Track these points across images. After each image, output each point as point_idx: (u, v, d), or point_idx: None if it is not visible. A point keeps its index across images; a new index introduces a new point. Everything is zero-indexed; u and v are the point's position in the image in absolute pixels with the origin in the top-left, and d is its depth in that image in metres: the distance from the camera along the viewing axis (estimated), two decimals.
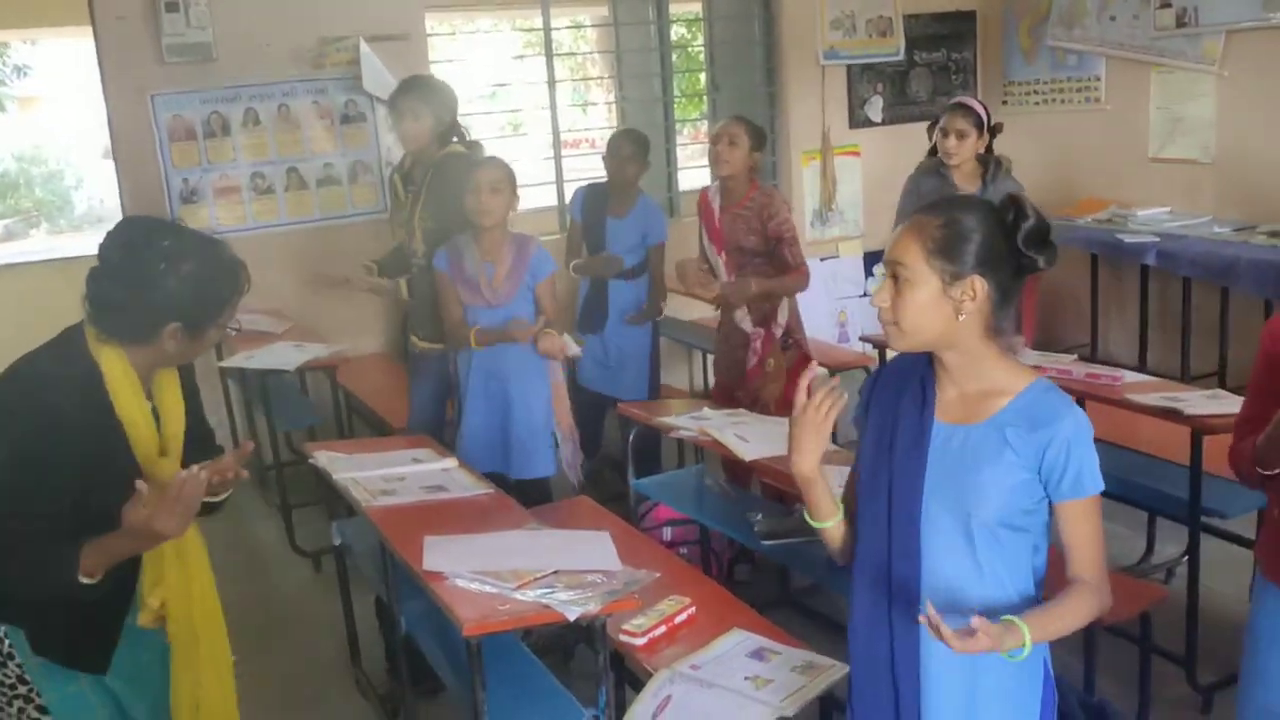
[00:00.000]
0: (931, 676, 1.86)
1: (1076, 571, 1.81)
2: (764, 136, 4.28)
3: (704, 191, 4.32)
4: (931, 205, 1.83)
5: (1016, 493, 1.79)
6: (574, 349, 3.71)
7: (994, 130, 4.37)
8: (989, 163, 4.31)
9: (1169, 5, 5.78)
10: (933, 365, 1.86)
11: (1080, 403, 3.87)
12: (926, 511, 1.83)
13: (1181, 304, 5.66)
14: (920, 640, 1.84)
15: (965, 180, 4.32)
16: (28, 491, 2.00)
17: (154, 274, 2.08)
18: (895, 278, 1.79)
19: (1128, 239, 5.55)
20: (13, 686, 2.17)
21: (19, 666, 2.16)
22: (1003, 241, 1.77)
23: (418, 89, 4.07)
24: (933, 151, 4.42)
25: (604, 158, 4.83)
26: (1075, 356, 4.11)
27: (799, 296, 4.21)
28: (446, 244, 3.70)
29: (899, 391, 1.90)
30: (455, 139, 4.07)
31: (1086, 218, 5.95)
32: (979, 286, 1.75)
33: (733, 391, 4.23)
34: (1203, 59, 5.71)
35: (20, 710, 2.18)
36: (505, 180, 3.58)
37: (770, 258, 4.06)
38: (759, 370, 4.14)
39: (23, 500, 1.99)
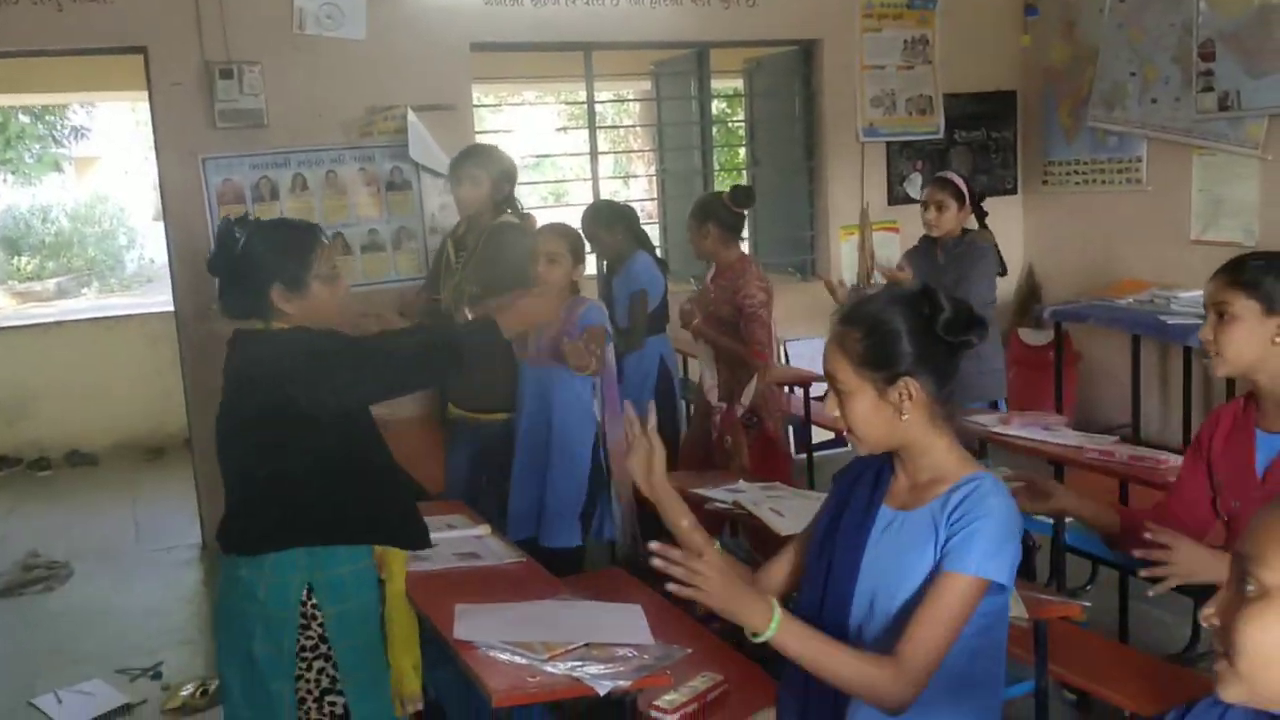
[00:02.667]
0: None
1: (897, 646, 1.70)
2: (729, 213, 4.34)
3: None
4: (848, 315, 1.84)
5: (926, 577, 1.76)
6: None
7: (978, 203, 4.50)
8: (962, 236, 4.45)
9: (1211, 89, 5.79)
10: (892, 457, 1.89)
11: (1123, 485, 3.83)
12: (859, 590, 1.82)
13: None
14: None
15: (942, 252, 4.50)
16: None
17: (237, 252, 2.40)
18: (837, 391, 1.83)
19: (1171, 320, 5.50)
20: (314, 648, 2.42)
21: (321, 626, 2.42)
22: (926, 335, 1.78)
23: (479, 156, 4.16)
24: (926, 235, 4.59)
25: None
26: (1117, 438, 4.06)
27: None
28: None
29: (856, 480, 1.93)
30: (509, 210, 4.13)
31: (1128, 298, 5.92)
32: (913, 386, 1.78)
33: (702, 454, 4.32)
34: (1245, 142, 5.71)
35: (320, 670, 2.44)
36: (563, 250, 3.63)
37: (738, 332, 4.18)
38: (720, 444, 4.26)
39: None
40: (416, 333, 2.40)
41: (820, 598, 1.86)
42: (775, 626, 1.70)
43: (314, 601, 2.43)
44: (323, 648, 2.44)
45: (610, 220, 4.83)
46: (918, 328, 1.78)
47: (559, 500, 3.69)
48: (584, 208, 5.84)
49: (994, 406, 4.50)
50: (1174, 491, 2.48)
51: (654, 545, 1.73)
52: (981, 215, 4.54)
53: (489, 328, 2.57)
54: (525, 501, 3.73)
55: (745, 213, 4.43)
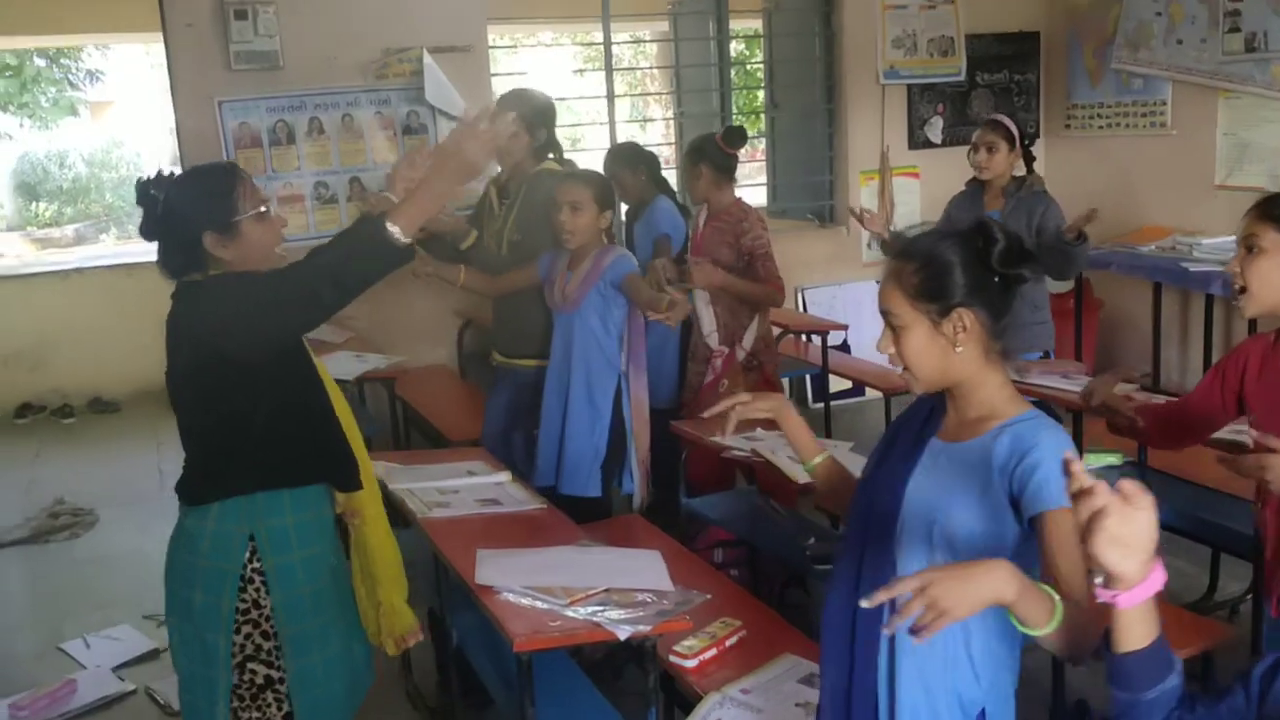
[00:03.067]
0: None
1: (1063, 590, 1.69)
2: (721, 153, 4.26)
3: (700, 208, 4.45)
4: (903, 249, 1.87)
5: (984, 513, 1.77)
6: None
7: (1027, 146, 4.43)
8: (1020, 181, 4.38)
9: (1238, 30, 5.69)
10: (944, 396, 1.90)
11: None
12: (903, 519, 1.84)
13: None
14: (880, 643, 1.85)
15: (994, 199, 4.41)
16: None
17: (159, 211, 2.37)
18: (892, 326, 1.84)
19: (1193, 268, 5.45)
20: (246, 612, 2.39)
21: (256, 591, 2.38)
22: (980, 267, 1.80)
23: (515, 99, 4.06)
24: (974, 177, 4.51)
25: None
26: (1137, 386, 4.04)
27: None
28: (550, 251, 3.78)
29: (908, 418, 1.96)
30: (551, 155, 4.10)
31: (1149, 245, 5.86)
32: (967, 317, 1.79)
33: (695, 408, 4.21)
34: (1273, 84, 5.61)
35: (247, 636, 2.40)
36: (586, 198, 3.60)
37: (743, 273, 4.13)
38: (713, 388, 4.16)
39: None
40: (323, 252, 2.27)
41: (864, 517, 1.90)
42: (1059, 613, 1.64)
43: (255, 563, 2.40)
44: (254, 614, 2.40)
45: (634, 161, 4.79)
46: (971, 260, 1.79)
47: (577, 449, 3.69)
48: (603, 153, 5.80)
49: (1045, 356, 4.46)
50: (1190, 404, 2.52)
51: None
52: (1030, 159, 4.48)
53: (367, 225, 2.29)
54: (549, 449, 3.74)
55: (738, 154, 4.36)
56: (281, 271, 2.34)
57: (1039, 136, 7.02)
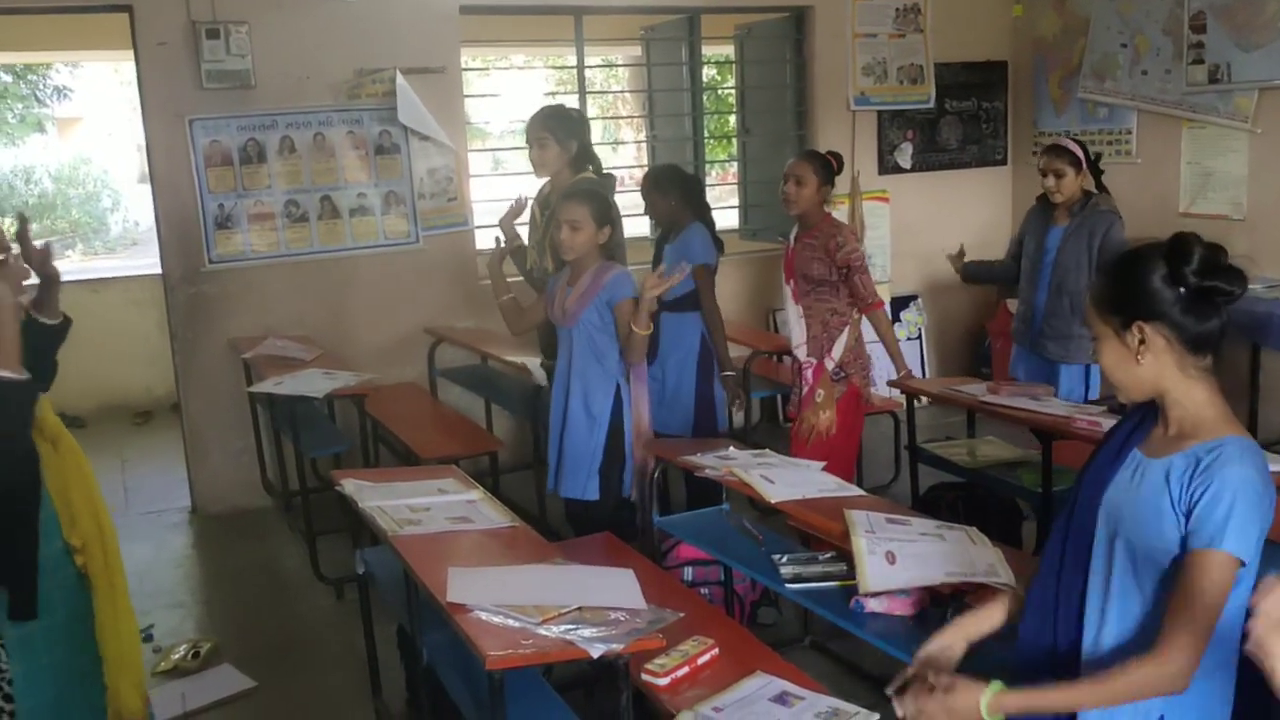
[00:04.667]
0: None
1: (1164, 628, 1.73)
2: (831, 168, 4.34)
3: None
4: (1105, 265, 2.01)
5: (1164, 533, 1.77)
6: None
7: (1095, 164, 4.54)
8: (1087, 197, 4.50)
9: (1201, 61, 5.80)
10: (1157, 405, 1.91)
11: None
12: (1101, 525, 1.88)
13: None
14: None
15: (1063, 214, 4.55)
16: None
17: None
18: (1094, 337, 1.91)
19: None
20: None
21: None
22: (1167, 281, 1.79)
23: (545, 117, 4.21)
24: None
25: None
26: (1105, 408, 4.08)
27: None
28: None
29: (1123, 422, 1.99)
30: (590, 167, 4.19)
31: None
32: (1146, 330, 1.81)
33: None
34: (1235, 115, 5.72)
35: None
36: (584, 216, 3.67)
37: (837, 286, 4.23)
38: (810, 399, 4.27)
39: None
40: None
41: (1065, 533, 1.94)
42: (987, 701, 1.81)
43: None
44: None
45: (665, 185, 4.79)
46: (1159, 273, 1.80)
47: (575, 454, 3.79)
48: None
49: (1087, 371, 4.54)
50: None
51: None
52: (1098, 175, 4.56)
53: None
54: (551, 453, 3.88)
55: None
56: None
57: (1005, 163, 7.14)
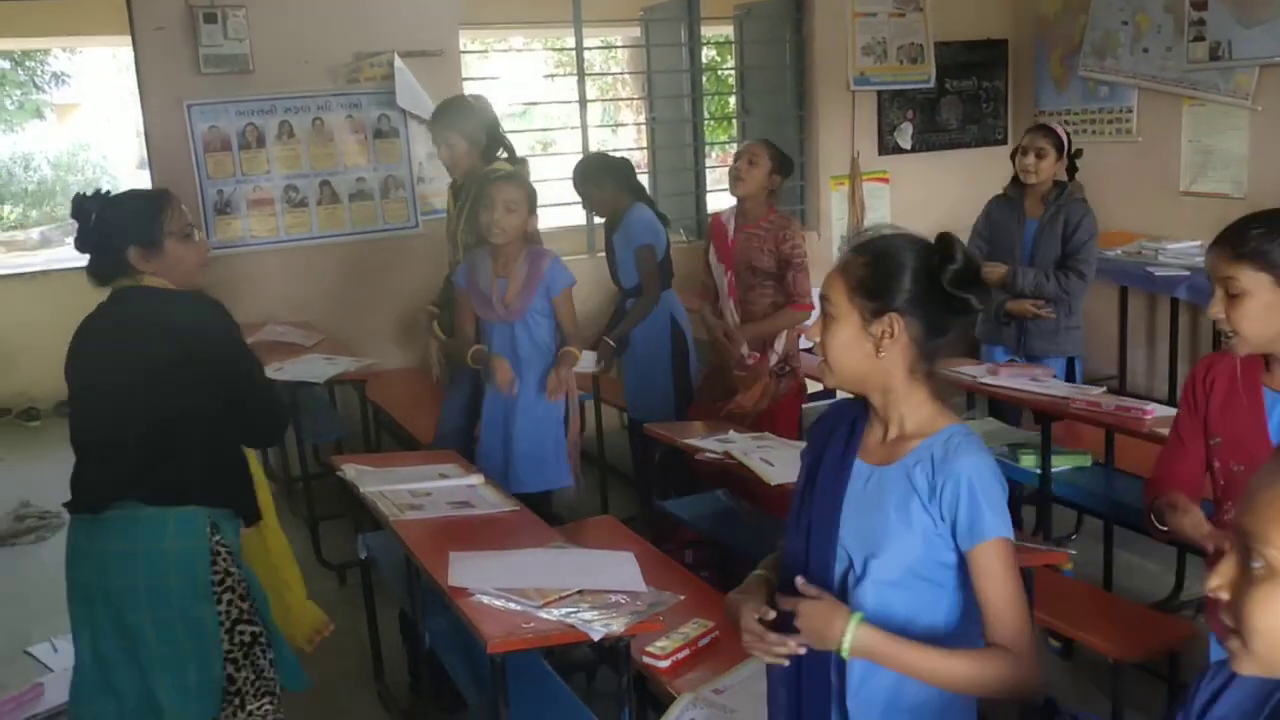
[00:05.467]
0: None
1: (989, 635, 1.72)
2: (789, 163, 4.28)
3: (717, 215, 4.36)
4: (863, 244, 1.81)
5: (921, 540, 1.73)
6: (588, 364, 3.73)
7: (1074, 155, 4.45)
8: (1061, 187, 4.39)
9: (1202, 39, 5.78)
10: (866, 408, 1.86)
11: (1109, 436, 3.87)
12: (842, 547, 1.79)
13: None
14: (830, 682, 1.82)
15: (1035, 205, 4.41)
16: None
17: (92, 222, 2.61)
18: (825, 314, 1.80)
19: (1159, 272, 5.52)
20: (221, 581, 2.57)
21: (226, 560, 2.57)
22: (928, 282, 1.75)
23: (445, 115, 4.12)
24: (1016, 179, 4.48)
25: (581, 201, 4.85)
26: (1104, 389, 4.09)
27: None
28: (465, 258, 3.73)
29: (831, 432, 1.90)
30: (502, 153, 4.11)
31: (1116, 250, 5.93)
32: (897, 324, 1.74)
33: (714, 410, 4.22)
34: (1236, 92, 5.70)
35: (230, 603, 2.58)
36: (521, 198, 3.58)
37: (779, 280, 4.11)
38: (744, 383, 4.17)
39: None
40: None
41: (804, 555, 1.84)
42: (853, 629, 1.68)
43: (218, 537, 2.58)
44: (229, 581, 2.59)
45: (598, 175, 4.69)
46: (922, 270, 1.75)
47: (530, 448, 3.68)
48: (574, 157, 5.80)
49: (1070, 364, 4.49)
50: (1174, 457, 2.33)
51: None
52: (1073, 169, 4.49)
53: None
54: (494, 456, 3.71)
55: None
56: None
57: (1005, 143, 7.10)
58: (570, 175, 4.83)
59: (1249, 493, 1.09)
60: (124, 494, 2.53)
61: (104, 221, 2.61)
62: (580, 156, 6.28)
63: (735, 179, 4.16)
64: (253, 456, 2.87)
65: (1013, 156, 4.52)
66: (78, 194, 2.67)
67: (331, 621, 2.96)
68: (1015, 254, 4.42)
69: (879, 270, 1.76)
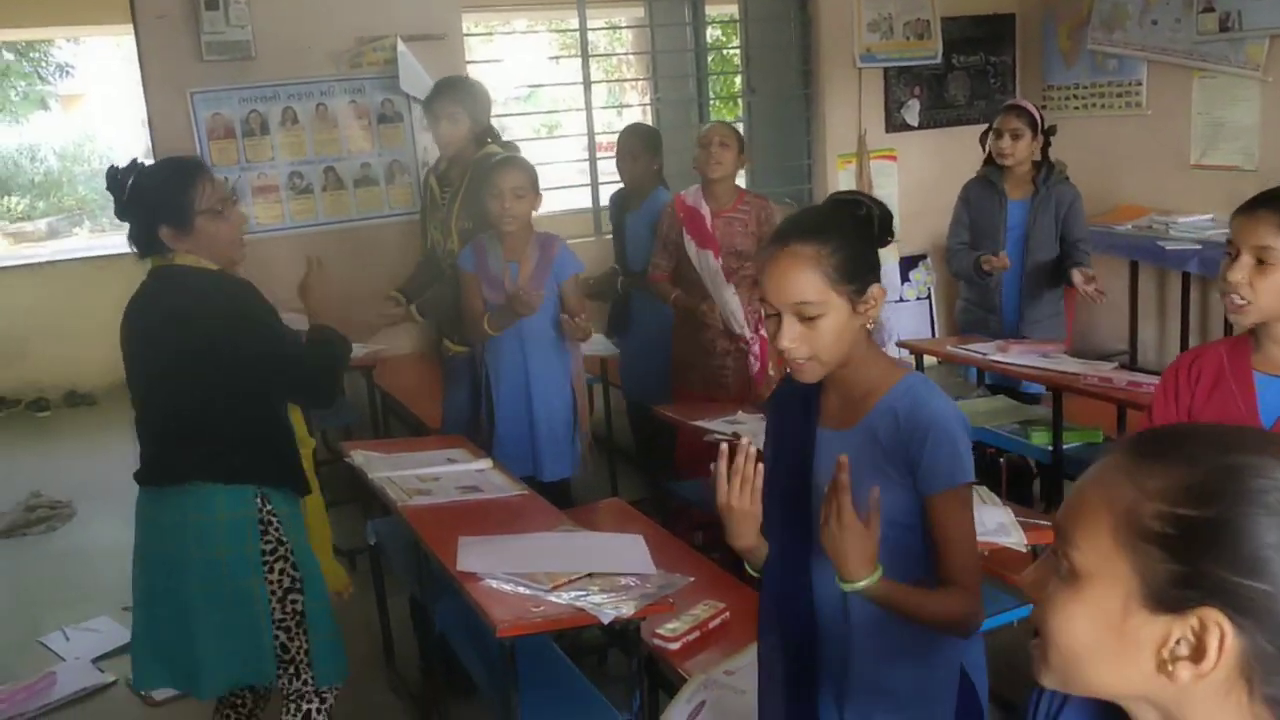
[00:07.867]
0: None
1: (946, 574, 1.75)
2: (743, 143, 4.25)
3: (680, 197, 4.24)
4: (807, 231, 1.75)
5: (897, 490, 1.75)
6: (599, 346, 3.70)
7: (1048, 133, 4.34)
8: (1042, 167, 4.29)
9: (1211, 9, 5.72)
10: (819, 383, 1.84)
11: (1120, 411, 3.84)
12: (817, 515, 1.75)
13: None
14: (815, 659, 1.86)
15: (1016, 186, 4.30)
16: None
17: (126, 193, 2.59)
18: (807, 318, 1.74)
19: (1170, 246, 5.48)
20: (273, 551, 2.59)
21: (277, 530, 2.60)
22: (871, 239, 1.80)
23: (453, 91, 4.06)
24: (989, 160, 4.38)
25: (616, 158, 4.77)
26: (1115, 364, 4.06)
27: None
28: (471, 242, 3.71)
29: (787, 406, 1.90)
30: (490, 140, 4.07)
31: (1126, 224, 5.89)
32: (878, 291, 1.77)
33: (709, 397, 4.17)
34: (1246, 64, 5.64)
35: (281, 571, 2.60)
36: (528, 184, 3.56)
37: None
38: (764, 375, 4.14)
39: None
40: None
41: (781, 526, 1.85)
42: (876, 577, 1.68)
43: (269, 507, 2.60)
44: (280, 550, 2.61)
45: (655, 147, 4.67)
46: (867, 234, 1.80)
47: (552, 433, 3.66)
48: (579, 140, 5.78)
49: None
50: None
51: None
52: (1047, 145, 4.38)
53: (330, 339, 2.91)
54: (520, 442, 3.67)
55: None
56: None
57: None
58: (617, 139, 4.79)
59: (1071, 492, 1.01)
60: (180, 471, 2.58)
61: (136, 194, 2.58)
62: (584, 138, 6.27)
63: (713, 162, 4.11)
64: (299, 422, 2.90)
65: (982, 139, 4.41)
66: (111, 166, 2.64)
67: (351, 584, 3.08)
68: (999, 237, 4.30)
69: (849, 251, 1.74)
